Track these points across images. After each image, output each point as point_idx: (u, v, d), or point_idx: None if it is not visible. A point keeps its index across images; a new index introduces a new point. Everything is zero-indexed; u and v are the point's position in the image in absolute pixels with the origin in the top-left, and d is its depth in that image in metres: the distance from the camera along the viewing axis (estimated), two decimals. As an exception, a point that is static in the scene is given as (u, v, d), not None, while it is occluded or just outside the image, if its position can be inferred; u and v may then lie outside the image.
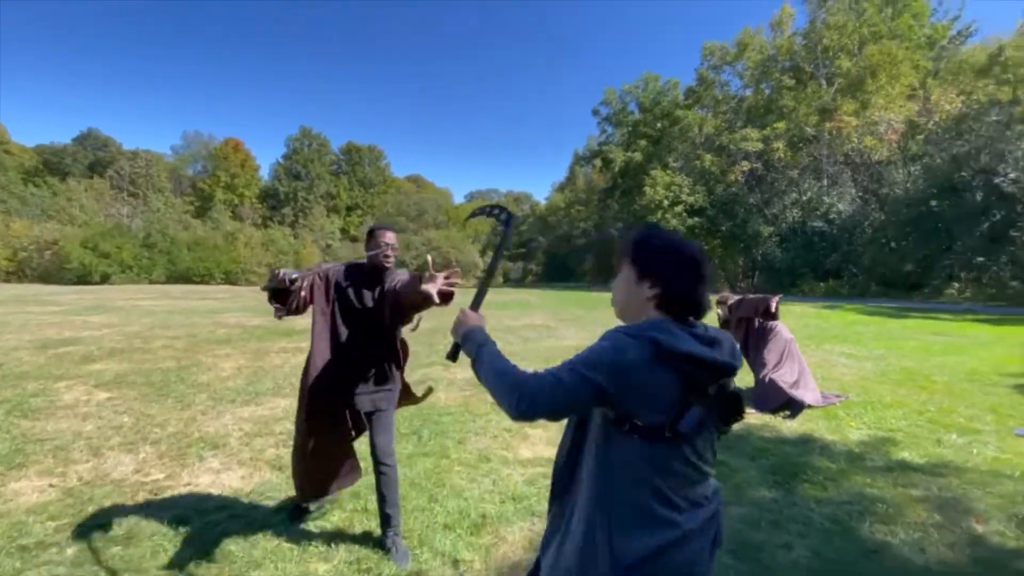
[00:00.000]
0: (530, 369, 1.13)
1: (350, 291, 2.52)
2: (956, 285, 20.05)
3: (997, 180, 17.86)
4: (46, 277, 36.55)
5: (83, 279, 35.63)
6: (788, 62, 27.66)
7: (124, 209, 50.76)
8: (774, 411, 4.72)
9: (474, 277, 50.83)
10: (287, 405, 5.01)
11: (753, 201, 27.99)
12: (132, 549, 2.48)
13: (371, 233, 2.53)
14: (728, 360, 1.07)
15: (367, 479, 2.81)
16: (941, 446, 3.89)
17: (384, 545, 2.48)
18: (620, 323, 1.21)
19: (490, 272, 1.57)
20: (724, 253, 31.73)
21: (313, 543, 2.53)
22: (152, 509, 2.89)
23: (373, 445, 2.49)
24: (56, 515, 2.80)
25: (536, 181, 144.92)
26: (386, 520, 2.48)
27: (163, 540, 2.55)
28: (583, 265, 47.27)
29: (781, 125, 26.59)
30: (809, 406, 4.76)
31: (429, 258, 2.30)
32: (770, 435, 4.18)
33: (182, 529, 2.66)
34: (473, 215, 1.73)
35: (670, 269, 1.11)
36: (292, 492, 2.92)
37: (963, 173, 18.81)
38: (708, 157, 29.64)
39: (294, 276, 2.30)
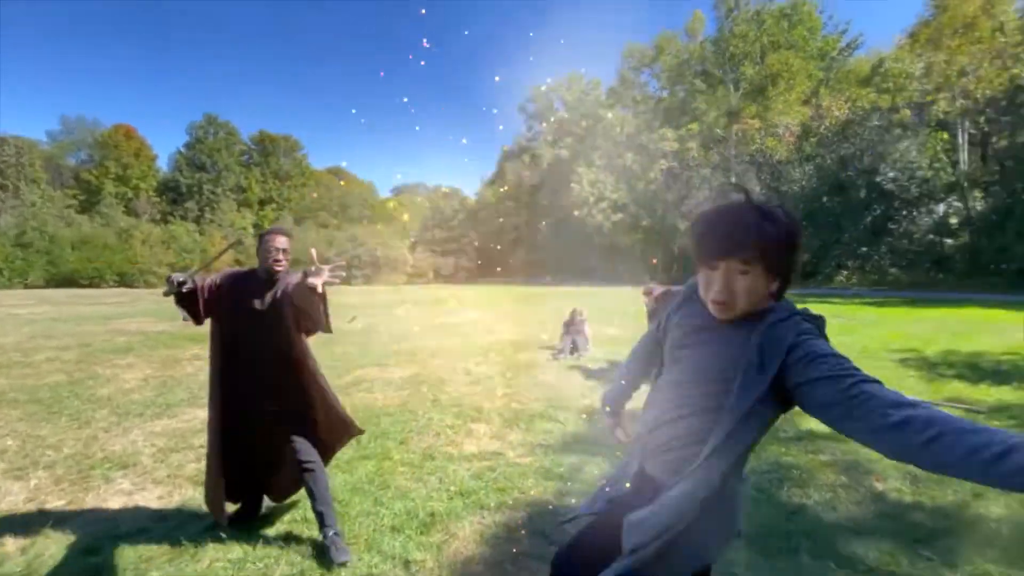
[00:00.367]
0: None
1: (243, 297, 2.49)
2: (844, 272, 22.56)
3: (878, 179, 20.27)
4: None
5: (-61, 285, 30.71)
6: (700, 67, 29.59)
7: (-11, 203, 44.25)
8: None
9: (403, 274, 49.72)
10: (204, 416, 4.61)
11: (670, 198, 29.65)
12: (31, 586, 2.18)
13: (261, 237, 2.51)
14: None
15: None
16: (841, 416, 4.36)
17: (323, 545, 2.42)
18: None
19: None
20: (645, 247, 33.40)
21: (250, 560, 2.36)
22: (54, 538, 2.55)
23: (293, 450, 2.45)
24: (-70, 558, 2.40)
25: (465, 176, 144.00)
26: (320, 519, 2.45)
27: (70, 571, 2.27)
28: (514, 260, 47.79)
29: (694, 126, 28.40)
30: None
31: (313, 252, 2.27)
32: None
33: (92, 559, 2.37)
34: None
35: (793, 265, 1.07)
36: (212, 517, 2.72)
37: (849, 173, 21.18)
38: (629, 156, 31.03)
39: (181, 279, 2.32)
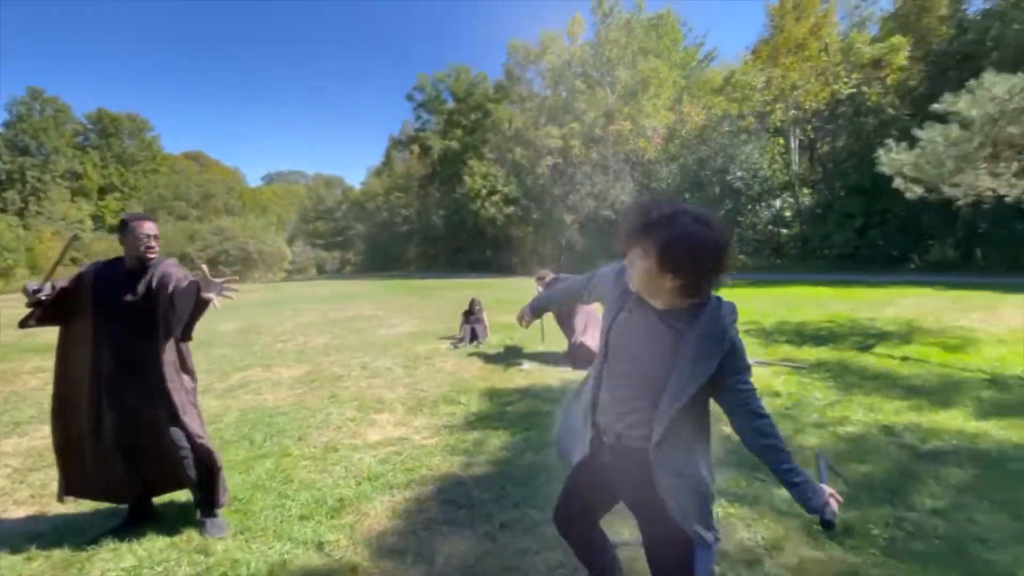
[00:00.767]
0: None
1: (113, 289, 2.39)
2: (705, 260, 25.66)
3: (729, 178, 23.25)
4: None
5: None
6: (580, 68, 31.36)
7: None
8: (585, 368, 5.58)
9: (281, 270, 46.00)
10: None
11: (557, 192, 31.16)
12: None
13: (125, 225, 2.38)
14: None
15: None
16: (701, 379, 5.11)
17: (200, 523, 2.49)
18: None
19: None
20: (536, 238, 34.75)
21: (146, 565, 2.25)
22: None
23: (169, 440, 2.43)
24: None
25: (348, 164, 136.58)
26: (196, 500, 2.53)
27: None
28: (407, 253, 46.72)
29: (576, 125, 30.07)
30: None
31: (204, 268, 2.30)
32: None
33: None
34: None
35: (692, 268, 1.23)
36: (97, 528, 2.57)
37: (706, 172, 24.02)
38: (518, 150, 31.96)
39: (35, 287, 2.26)
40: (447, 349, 7.06)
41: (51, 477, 3.22)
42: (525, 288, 16.81)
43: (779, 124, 25.08)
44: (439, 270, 38.19)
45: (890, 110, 21.31)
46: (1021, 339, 6.50)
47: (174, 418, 2.42)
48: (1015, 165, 7.60)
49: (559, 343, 6.46)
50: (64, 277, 2.45)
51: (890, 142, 8.94)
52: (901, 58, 22.07)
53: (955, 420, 3.75)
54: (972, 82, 7.74)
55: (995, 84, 7.27)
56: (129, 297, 2.38)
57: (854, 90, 22.79)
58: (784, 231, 24.13)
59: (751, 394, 1.36)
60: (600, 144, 30.06)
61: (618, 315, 1.46)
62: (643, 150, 28.68)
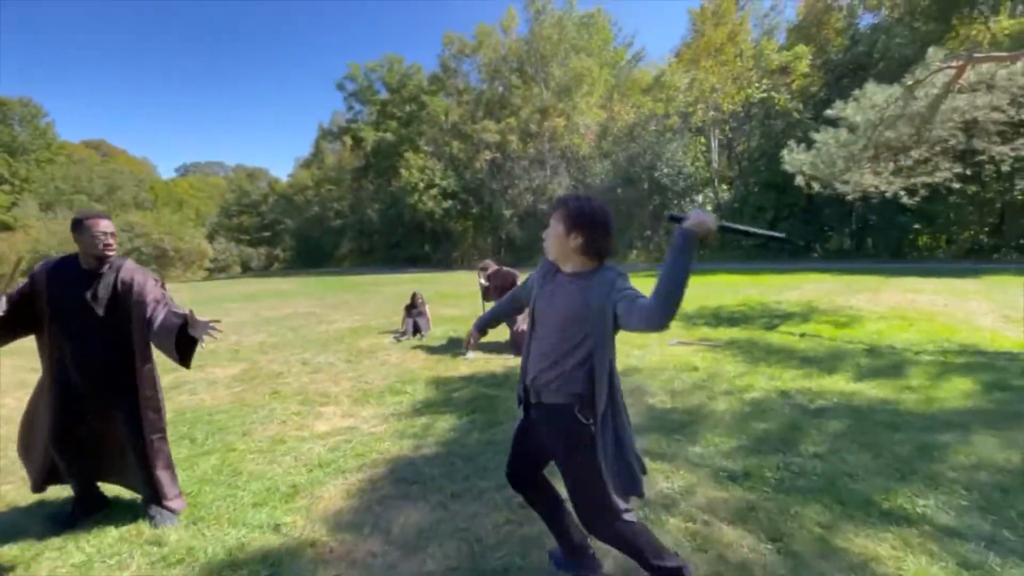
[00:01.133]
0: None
1: (67, 290, 2.41)
2: (634, 252, 26.91)
3: (656, 174, 24.56)
4: None
5: None
6: (515, 63, 31.68)
7: None
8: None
9: (201, 269, 42.90)
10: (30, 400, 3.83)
11: (496, 187, 31.42)
12: None
13: (79, 224, 2.39)
14: None
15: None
16: (629, 358, 5.57)
17: (148, 515, 2.54)
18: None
19: (753, 234, 1.83)
20: (476, 233, 34.85)
21: (97, 560, 2.25)
22: None
23: (125, 432, 2.51)
24: None
25: (272, 155, 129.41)
26: (146, 498, 2.58)
27: None
28: (340, 248, 45.15)
29: (513, 120, 30.42)
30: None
31: (191, 310, 2.37)
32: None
33: None
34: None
35: (589, 226, 1.64)
36: (40, 526, 2.54)
37: (635, 168, 25.21)
38: (456, 144, 31.85)
39: None
40: (390, 343, 7.11)
41: (-20, 486, 3.06)
42: (466, 282, 16.95)
43: (700, 124, 26.76)
44: (375, 265, 37.31)
45: (795, 114, 23.37)
46: (896, 315, 7.55)
47: (130, 415, 2.48)
48: (892, 165, 8.76)
49: (501, 333, 6.72)
50: (11, 287, 2.39)
51: (792, 143, 9.96)
52: (804, 66, 24.26)
53: (838, 383, 4.39)
54: (858, 91, 8.80)
55: (875, 93, 8.32)
56: (89, 297, 2.40)
57: (765, 94, 24.79)
58: (706, 224, 25.84)
59: (638, 292, 1.62)
60: (536, 139, 30.62)
61: (541, 290, 1.80)
62: (577, 146, 29.57)
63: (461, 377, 5.14)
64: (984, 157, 10.13)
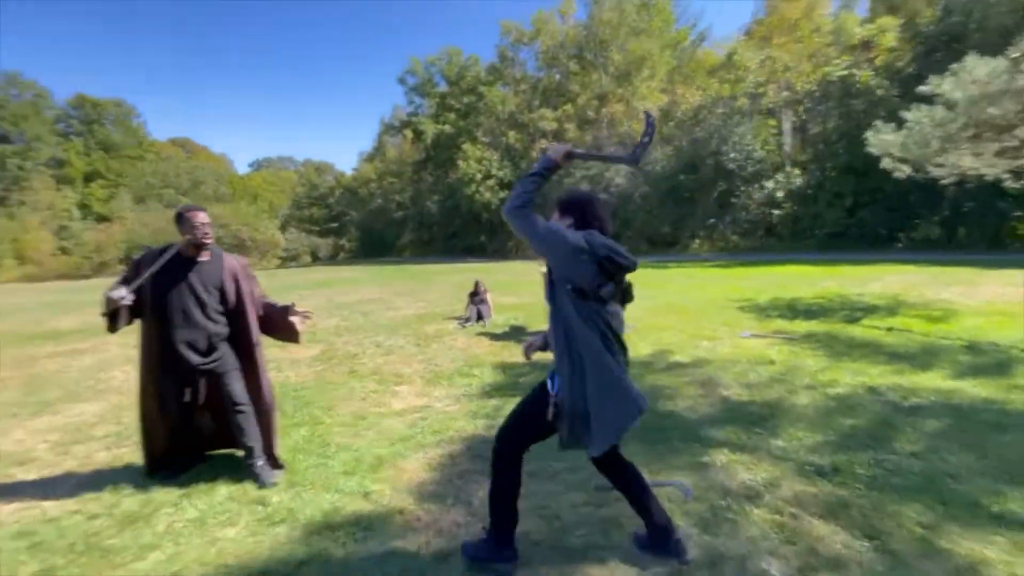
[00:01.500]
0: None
1: (170, 276, 2.69)
2: (697, 241, 25.93)
3: (722, 159, 23.46)
4: None
5: None
6: (574, 50, 31.22)
7: None
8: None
9: (275, 258, 45.76)
10: (98, 410, 4.34)
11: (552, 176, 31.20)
12: (-34, 576, 2.12)
13: (181, 217, 2.70)
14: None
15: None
16: (698, 349, 5.42)
17: (252, 473, 2.79)
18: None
19: (600, 157, 2.33)
20: (530, 222, 34.87)
21: (210, 516, 2.50)
22: (-30, 534, 2.42)
23: (227, 395, 2.78)
24: None
25: (338, 150, 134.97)
26: (249, 452, 2.81)
27: (15, 556, 2.23)
28: (401, 239, 46.58)
29: (570, 108, 30.05)
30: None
31: (293, 304, 2.93)
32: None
33: (30, 539, 2.33)
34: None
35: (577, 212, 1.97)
36: (154, 487, 2.82)
37: (699, 154, 24.20)
38: (512, 134, 31.93)
39: (122, 294, 2.47)
40: (455, 329, 7.30)
41: (93, 449, 3.46)
42: (522, 271, 17.04)
43: (771, 105, 25.24)
44: (434, 255, 38.22)
45: (879, 91, 21.54)
46: (997, 311, 6.86)
47: (235, 383, 2.79)
48: (995, 145, 7.90)
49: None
50: (119, 274, 2.76)
51: (879, 123, 9.20)
52: (890, 39, 22.25)
53: (933, 380, 4.07)
54: (956, 65, 7.99)
55: (977, 67, 7.52)
56: (193, 280, 2.70)
57: (845, 72, 22.99)
58: (776, 212, 24.44)
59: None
60: (594, 126, 30.10)
61: None
62: (637, 132, 28.78)
63: (525, 363, 5.19)
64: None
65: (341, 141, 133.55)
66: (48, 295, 18.82)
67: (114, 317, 2.60)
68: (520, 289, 11.85)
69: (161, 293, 2.67)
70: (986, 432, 3.08)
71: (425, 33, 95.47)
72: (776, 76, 24.27)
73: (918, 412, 3.44)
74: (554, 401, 1.87)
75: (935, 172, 8.43)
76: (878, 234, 22.11)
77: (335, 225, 57.30)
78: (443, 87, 40.93)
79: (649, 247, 27.06)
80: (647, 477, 2.61)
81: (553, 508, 2.43)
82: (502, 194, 31.85)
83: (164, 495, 2.72)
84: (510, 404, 3.94)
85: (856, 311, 7.37)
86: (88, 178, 51.77)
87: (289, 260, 49.71)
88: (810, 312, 7.51)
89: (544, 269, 6.69)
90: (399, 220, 45.01)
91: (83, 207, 49.59)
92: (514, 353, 5.67)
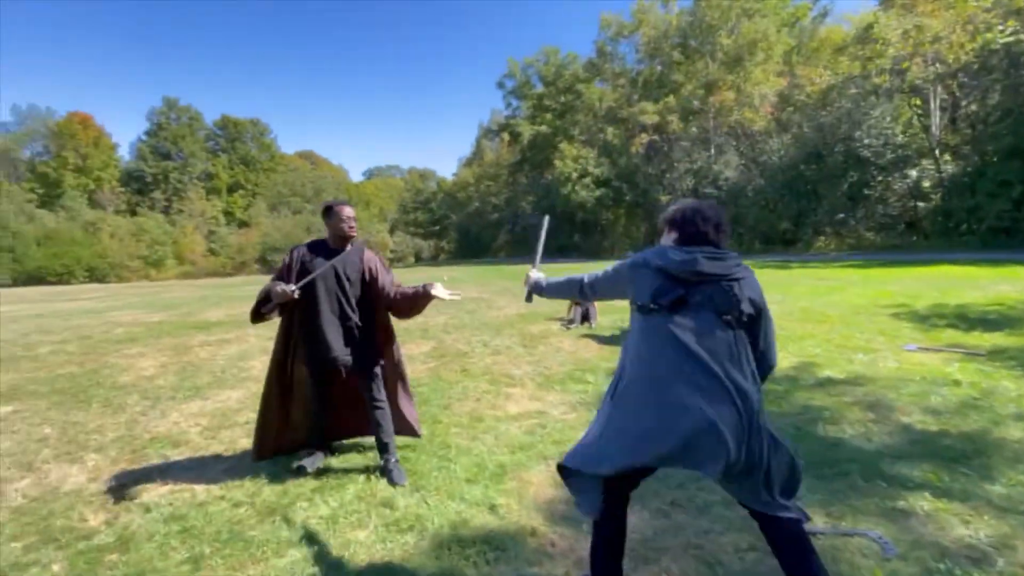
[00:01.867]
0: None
1: (318, 264, 2.74)
2: (822, 238, 23.23)
3: (855, 146, 20.74)
4: None
5: None
6: (677, 38, 29.56)
7: (-58, 201, 41.93)
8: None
9: (385, 258, 49.06)
10: (240, 396, 4.67)
11: (652, 171, 29.91)
12: (132, 554, 2.25)
13: (330, 210, 2.79)
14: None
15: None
16: (853, 363, 4.64)
17: (384, 469, 2.79)
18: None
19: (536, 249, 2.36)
20: (628, 221, 33.76)
21: (341, 514, 2.47)
22: (135, 511, 2.62)
23: (367, 388, 2.83)
24: (17, 535, 2.44)
25: (439, 157, 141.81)
26: (384, 447, 2.84)
27: (167, 539, 2.34)
28: (497, 241, 47.55)
29: (672, 99, 28.48)
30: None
31: (446, 276, 2.70)
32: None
33: (181, 524, 2.45)
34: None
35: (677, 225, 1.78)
36: (290, 478, 2.89)
37: (826, 141, 21.61)
38: (610, 130, 31.05)
39: (293, 288, 2.58)
40: (559, 330, 7.06)
41: (237, 435, 3.68)
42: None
43: (916, 82, 21.86)
44: (527, 256, 38.49)
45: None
46: None
47: (374, 375, 2.86)
48: None
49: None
50: (275, 270, 2.87)
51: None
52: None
53: None
54: None
55: None
56: (339, 270, 2.77)
57: (1011, 39, 19.19)
58: (921, 204, 21.14)
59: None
60: (700, 117, 28.29)
61: None
62: (750, 121, 26.52)
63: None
64: None
65: (445, 148, 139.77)
66: (200, 290, 21.67)
67: (266, 311, 2.71)
68: (624, 290, 11.31)
69: (310, 285, 2.74)
70: None
71: (526, 36, 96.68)
72: (923, 48, 20.93)
73: None
74: None
75: None
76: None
77: (436, 228, 60.20)
78: (539, 88, 41.01)
79: (764, 246, 24.80)
80: (826, 523, 2.17)
81: (709, 549, 2.06)
82: (598, 192, 31.15)
83: (298, 487, 2.77)
84: (636, 416, 3.60)
85: (1058, 322, 5.96)
86: (231, 189, 59.36)
87: (396, 261, 53.15)
88: (990, 322, 6.20)
89: None
90: (494, 222, 45.96)
91: (227, 214, 56.98)
92: (629, 358, 5.27)
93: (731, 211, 26.55)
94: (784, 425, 3.27)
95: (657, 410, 1.51)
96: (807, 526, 1.70)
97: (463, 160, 57.88)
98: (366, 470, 2.91)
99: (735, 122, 26.96)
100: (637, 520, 2.31)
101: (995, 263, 13.39)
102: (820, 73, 23.83)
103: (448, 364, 5.40)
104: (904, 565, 1.91)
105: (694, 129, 28.65)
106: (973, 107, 21.84)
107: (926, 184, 20.89)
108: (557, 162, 31.91)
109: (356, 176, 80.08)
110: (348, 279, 2.77)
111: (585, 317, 7.34)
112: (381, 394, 2.84)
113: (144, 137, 55.98)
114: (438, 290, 2.64)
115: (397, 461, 2.85)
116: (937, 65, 20.98)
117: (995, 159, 20.00)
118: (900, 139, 21.19)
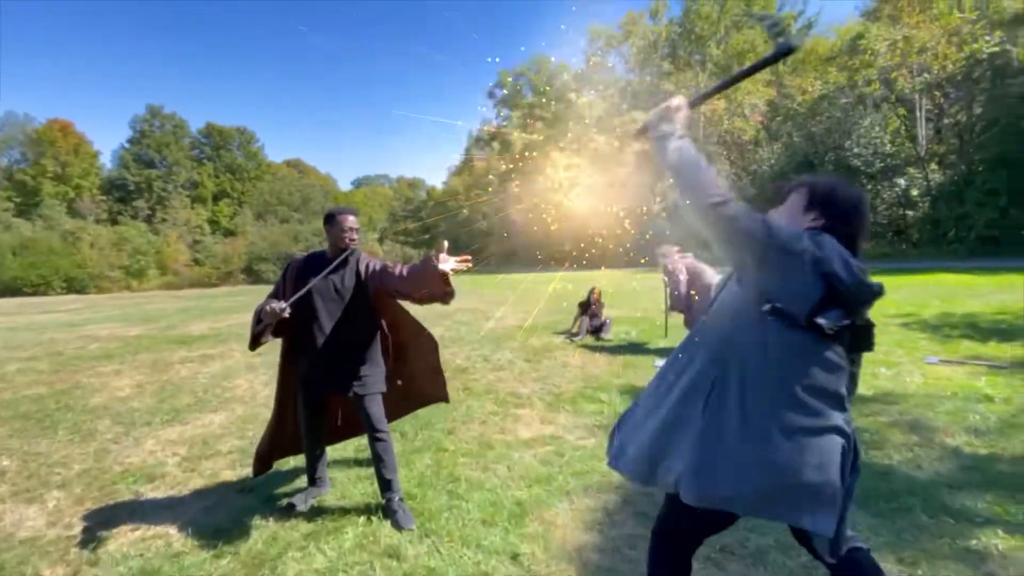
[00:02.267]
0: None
1: (321, 279, 2.52)
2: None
3: (845, 155, 20.92)
4: None
5: None
6: (667, 49, 29.82)
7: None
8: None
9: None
10: (223, 420, 4.30)
11: (644, 180, 29.95)
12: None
13: (332, 217, 2.57)
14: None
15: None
16: (878, 379, 4.41)
17: (388, 510, 2.49)
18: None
19: (734, 79, 1.56)
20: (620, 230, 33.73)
21: (340, 568, 2.14)
22: (100, 566, 2.25)
23: (366, 417, 2.52)
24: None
25: (429, 166, 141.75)
26: (386, 485, 2.53)
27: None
28: (487, 249, 47.31)
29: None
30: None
31: (445, 243, 2.34)
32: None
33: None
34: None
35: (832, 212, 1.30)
36: (279, 519, 2.59)
37: (816, 150, 21.78)
38: (601, 140, 31.08)
39: (283, 306, 2.33)
40: (563, 343, 6.78)
41: (219, 466, 3.32)
42: (617, 280, 16.19)
43: (904, 92, 22.14)
44: (517, 265, 38.23)
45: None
46: None
47: (374, 402, 2.57)
48: None
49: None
50: (273, 286, 2.70)
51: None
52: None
53: None
54: None
55: None
56: (336, 284, 2.55)
57: (996, 49, 19.56)
58: (910, 213, 21.33)
59: None
60: (691, 126, 28.45)
61: None
62: (740, 130, 26.72)
63: (660, 387, 4.53)
64: None
65: (432, 157, 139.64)
66: (182, 302, 21.02)
67: (259, 335, 2.46)
68: (621, 301, 11.09)
69: (305, 300, 2.50)
70: None
71: (517, 47, 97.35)
72: (910, 59, 21.24)
73: None
74: None
75: None
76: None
77: (427, 237, 59.73)
78: (530, 97, 41.08)
79: (754, 255, 24.86)
80: (901, 572, 1.89)
81: (776, 608, 1.77)
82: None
83: (289, 532, 2.43)
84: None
85: (1074, 332, 5.82)
86: (216, 197, 58.38)
87: (385, 270, 52.58)
88: (1003, 332, 6.06)
89: (665, 277, 5.90)
90: (484, 231, 45.74)
91: (212, 223, 55.95)
92: (639, 374, 5.00)
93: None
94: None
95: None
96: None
97: (453, 169, 57.71)
98: (366, 509, 2.58)
99: (725, 131, 27.15)
100: (683, 571, 2.01)
101: (987, 271, 13.45)
102: (811, 83, 24.10)
103: (448, 382, 5.05)
104: (1006, 629, 1.64)
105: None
106: (958, 117, 22.18)
107: (914, 193, 21.11)
108: (548, 170, 31.93)
109: (345, 185, 79.40)
110: (346, 291, 2.55)
111: (596, 330, 7.06)
112: (383, 424, 2.55)
113: (127, 145, 54.90)
114: (444, 261, 2.28)
115: (402, 500, 2.54)
116: (925, 75, 21.29)
117: (982, 168, 20.31)
118: (889, 148, 21.41)
